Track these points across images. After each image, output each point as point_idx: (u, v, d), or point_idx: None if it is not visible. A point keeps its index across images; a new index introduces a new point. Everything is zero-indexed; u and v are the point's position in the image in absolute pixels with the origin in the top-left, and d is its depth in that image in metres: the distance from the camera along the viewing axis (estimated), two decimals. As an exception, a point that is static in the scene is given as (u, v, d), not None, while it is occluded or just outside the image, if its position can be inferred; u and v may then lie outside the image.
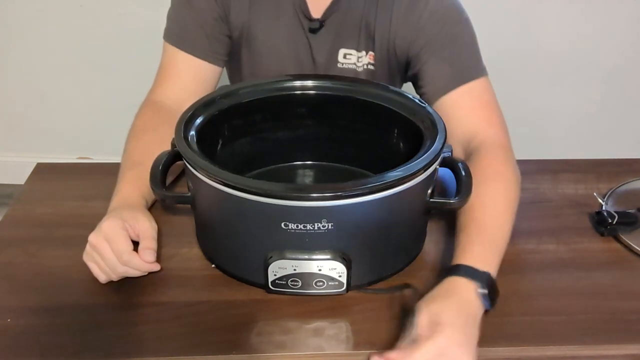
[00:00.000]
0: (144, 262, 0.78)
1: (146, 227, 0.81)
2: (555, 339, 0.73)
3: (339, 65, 1.08)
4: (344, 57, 1.08)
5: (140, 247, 0.79)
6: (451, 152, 0.80)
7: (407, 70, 1.06)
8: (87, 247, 0.78)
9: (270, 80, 0.92)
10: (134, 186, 0.86)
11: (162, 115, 0.99)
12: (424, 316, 0.67)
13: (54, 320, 0.74)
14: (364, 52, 1.07)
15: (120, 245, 0.77)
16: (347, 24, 1.05)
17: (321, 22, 1.04)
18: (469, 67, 0.99)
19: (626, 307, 0.78)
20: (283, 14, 1.05)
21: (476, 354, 0.66)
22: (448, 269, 0.74)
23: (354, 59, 1.07)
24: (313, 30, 1.05)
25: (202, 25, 1.04)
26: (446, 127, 0.82)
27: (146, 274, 0.79)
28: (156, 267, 0.80)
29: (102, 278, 0.78)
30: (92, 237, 0.78)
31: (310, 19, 1.04)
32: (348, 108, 0.92)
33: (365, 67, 1.08)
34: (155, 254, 0.79)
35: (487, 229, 0.78)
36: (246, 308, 0.76)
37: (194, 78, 1.05)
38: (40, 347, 0.70)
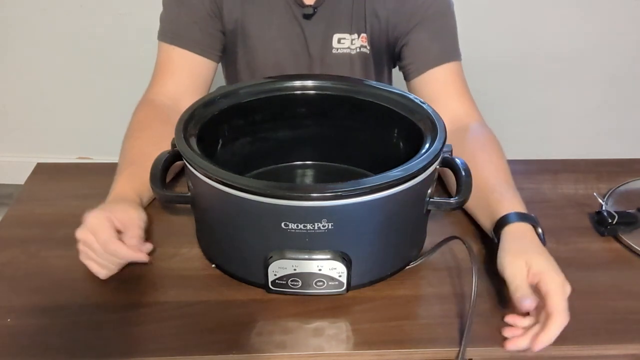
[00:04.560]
0: (130, 251, 0.77)
1: (132, 216, 0.80)
2: (555, 339, 0.73)
3: (334, 51, 1.10)
4: (338, 42, 1.09)
5: (126, 236, 0.78)
6: (451, 152, 0.80)
7: (394, 49, 1.10)
8: (79, 245, 0.78)
9: (270, 80, 0.92)
10: (128, 184, 0.86)
11: (156, 112, 0.99)
12: (519, 268, 0.72)
13: (54, 320, 0.74)
14: (356, 35, 1.09)
15: (103, 235, 0.76)
16: (339, 9, 1.07)
17: (314, 8, 1.05)
18: (454, 47, 1.08)
19: (626, 307, 0.78)
20: (275, 7, 1.06)
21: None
22: (499, 221, 0.80)
23: (348, 43, 1.09)
24: (307, 17, 1.06)
25: (196, 21, 1.04)
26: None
27: (142, 262, 0.79)
28: (144, 257, 0.79)
29: (102, 274, 0.78)
30: (78, 233, 0.77)
31: (302, 5, 1.05)
32: (348, 108, 0.92)
33: (358, 50, 1.10)
34: (142, 241, 0.79)
35: (508, 179, 0.88)
36: (246, 308, 0.76)
37: (189, 72, 1.05)
38: (40, 347, 0.70)
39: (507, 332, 0.73)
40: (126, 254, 0.77)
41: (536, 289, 0.71)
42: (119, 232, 0.78)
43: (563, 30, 1.94)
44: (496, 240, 0.79)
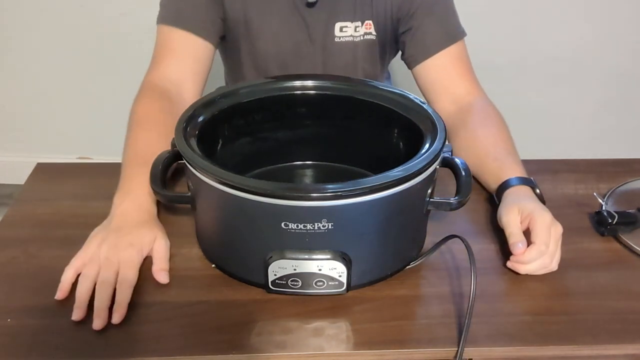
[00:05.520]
0: (129, 297, 0.75)
1: (161, 248, 0.81)
2: (555, 339, 0.73)
3: (337, 39, 1.10)
4: (341, 30, 1.10)
5: (154, 269, 0.79)
6: (451, 152, 0.80)
7: (397, 31, 1.12)
8: (97, 253, 0.77)
9: (270, 80, 0.93)
10: (147, 189, 0.84)
11: (162, 102, 0.97)
12: (514, 213, 0.81)
13: (54, 320, 0.74)
14: (359, 22, 1.09)
15: (129, 275, 0.76)
16: None
17: None
18: (455, 28, 1.10)
19: (626, 307, 0.78)
20: None
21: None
22: (501, 186, 0.89)
23: (351, 31, 1.10)
24: (310, 5, 1.06)
25: (197, 4, 1.05)
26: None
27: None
28: (166, 281, 0.79)
29: (84, 284, 0.75)
30: (111, 254, 0.77)
31: None
32: (348, 108, 0.92)
33: (362, 37, 1.11)
34: (168, 275, 0.79)
35: (510, 149, 0.96)
36: (246, 308, 0.76)
37: (191, 55, 1.05)
38: (40, 347, 0.70)
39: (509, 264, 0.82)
40: (125, 300, 0.74)
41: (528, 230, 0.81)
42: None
43: (563, 30, 1.94)
44: (498, 203, 0.88)
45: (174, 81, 1.02)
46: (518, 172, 0.90)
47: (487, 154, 0.95)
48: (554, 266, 0.80)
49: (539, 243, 0.79)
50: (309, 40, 1.10)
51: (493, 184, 0.92)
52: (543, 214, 0.81)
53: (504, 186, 0.89)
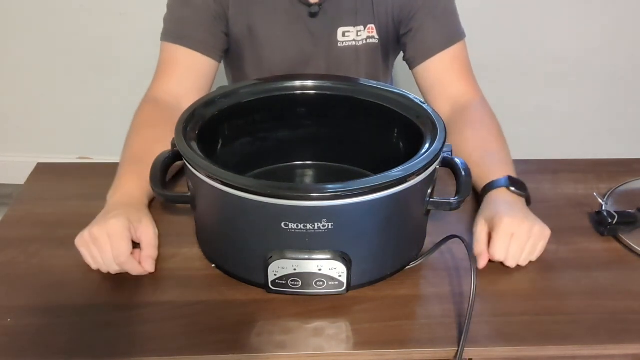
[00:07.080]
0: (138, 266, 0.78)
1: (149, 234, 0.81)
2: (555, 339, 0.73)
3: (339, 44, 1.11)
4: (343, 35, 1.10)
5: (142, 255, 0.79)
6: (451, 152, 0.80)
7: (399, 33, 1.12)
8: (86, 235, 0.78)
9: (270, 80, 0.93)
10: (137, 184, 0.86)
11: (161, 110, 0.99)
12: (480, 225, 0.83)
13: (54, 320, 0.74)
14: (361, 27, 1.10)
15: (121, 247, 0.77)
16: (343, 2, 1.08)
17: (319, 5, 1.06)
18: (456, 28, 1.10)
19: (626, 307, 0.78)
20: (280, 6, 1.07)
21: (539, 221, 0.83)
22: (482, 192, 0.90)
23: (353, 35, 1.10)
24: (313, 15, 1.06)
25: (200, 21, 1.05)
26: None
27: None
28: (151, 270, 0.80)
29: (93, 266, 0.79)
30: (96, 230, 0.78)
31: (308, 4, 1.06)
32: (348, 108, 0.92)
33: (365, 41, 1.11)
34: (155, 263, 0.80)
35: (494, 151, 0.95)
36: (246, 308, 0.76)
37: (192, 71, 1.06)
38: (40, 347, 0.70)
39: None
40: (133, 269, 0.78)
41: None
42: (133, 242, 0.79)
43: (563, 30, 1.94)
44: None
45: (176, 95, 1.03)
46: (496, 175, 0.89)
47: (470, 158, 0.92)
48: (523, 262, 0.82)
49: (493, 253, 0.81)
50: (313, 46, 1.11)
51: (477, 188, 0.92)
52: (502, 219, 0.81)
53: (482, 194, 0.90)
